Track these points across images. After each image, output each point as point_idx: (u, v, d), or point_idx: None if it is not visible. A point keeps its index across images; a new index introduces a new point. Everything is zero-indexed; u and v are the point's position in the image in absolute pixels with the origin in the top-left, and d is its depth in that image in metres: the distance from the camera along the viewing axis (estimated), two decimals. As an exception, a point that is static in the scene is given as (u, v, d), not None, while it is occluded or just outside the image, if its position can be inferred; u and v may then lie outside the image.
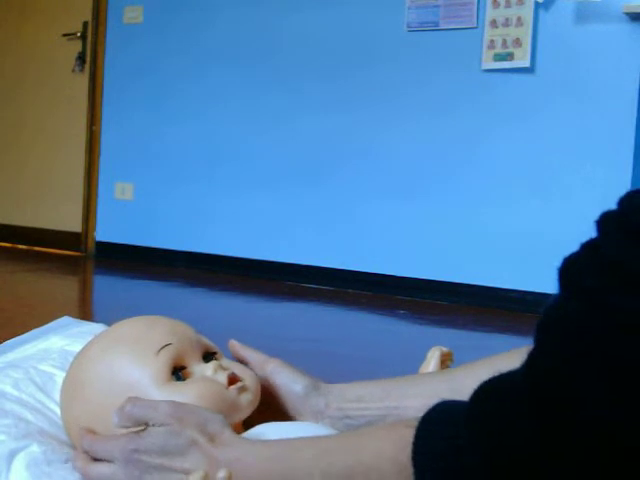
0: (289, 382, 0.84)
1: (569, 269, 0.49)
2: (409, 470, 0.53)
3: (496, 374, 0.52)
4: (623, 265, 0.45)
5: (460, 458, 0.50)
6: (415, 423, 0.55)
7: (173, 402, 0.70)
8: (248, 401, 0.77)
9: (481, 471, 0.49)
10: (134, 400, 0.71)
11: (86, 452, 0.72)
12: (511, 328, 2.71)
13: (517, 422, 0.48)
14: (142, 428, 0.68)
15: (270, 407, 0.82)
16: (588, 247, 0.49)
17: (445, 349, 1.03)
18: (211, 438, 0.66)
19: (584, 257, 0.49)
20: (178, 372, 0.76)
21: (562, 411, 0.45)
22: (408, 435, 0.54)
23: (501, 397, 0.50)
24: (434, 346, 1.04)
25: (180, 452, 0.66)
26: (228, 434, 0.67)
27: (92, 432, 0.73)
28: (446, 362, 1.03)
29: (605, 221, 0.49)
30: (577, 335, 0.45)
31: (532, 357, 0.49)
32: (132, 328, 0.80)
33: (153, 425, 0.68)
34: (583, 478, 0.45)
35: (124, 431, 0.70)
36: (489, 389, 0.52)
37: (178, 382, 0.75)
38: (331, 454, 0.61)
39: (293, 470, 0.61)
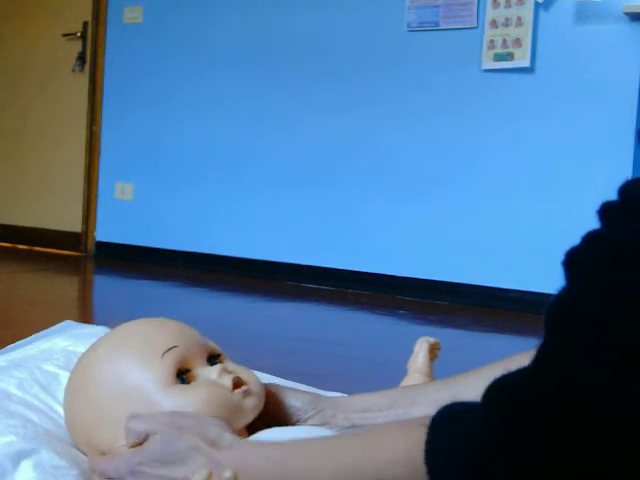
0: (292, 399, 0.83)
1: (574, 260, 0.49)
2: (422, 468, 0.53)
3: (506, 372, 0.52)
4: (627, 246, 0.45)
5: (474, 453, 0.50)
6: (427, 421, 0.55)
7: (172, 411, 0.70)
8: (253, 405, 0.76)
9: (497, 465, 0.49)
10: (134, 415, 0.71)
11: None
12: (511, 328, 2.72)
13: (532, 413, 0.47)
14: (144, 439, 0.69)
15: (273, 420, 0.81)
16: (591, 237, 0.49)
17: (432, 339, 1.02)
18: (212, 443, 0.65)
19: (587, 247, 0.49)
20: (183, 375, 0.75)
21: (577, 398, 0.45)
22: (421, 433, 0.54)
23: (514, 390, 0.50)
24: (421, 337, 1.03)
25: (181, 459, 0.65)
26: (229, 437, 0.66)
27: (101, 454, 0.73)
28: (434, 352, 1.02)
29: (607, 209, 0.49)
30: (592, 327, 0.45)
31: (543, 349, 0.49)
32: (137, 330, 0.79)
33: (154, 435, 0.68)
34: (603, 461, 0.45)
35: (126, 447, 0.71)
36: (501, 384, 0.52)
37: (183, 385, 0.75)
38: (341, 452, 0.60)
39: (301, 470, 0.60)
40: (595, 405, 0.44)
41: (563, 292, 0.49)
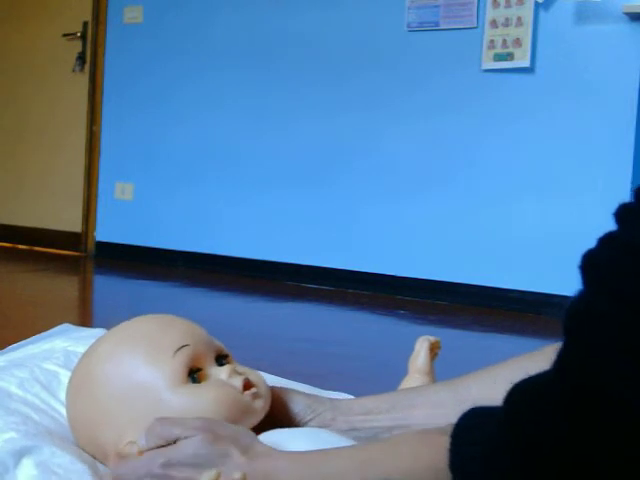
0: (292, 402, 0.83)
1: (589, 263, 0.49)
2: (447, 476, 0.54)
3: (525, 376, 0.52)
4: None
5: (498, 460, 0.50)
6: (449, 430, 0.55)
7: (202, 417, 0.69)
8: (261, 407, 0.76)
9: (520, 472, 0.49)
10: (162, 419, 0.69)
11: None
12: (511, 328, 2.72)
13: (554, 420, 0.47)
14: (172, 442, 0.67)
15: (274, 422, 0.81)
16: (606, 239, 0.49)
17: (432, 338, 1.03)
18: (244, 450, 0.65)
19: (603, 249, 0.49)
20: (194, 374, 0.75)
21: (593, 403, 0.45)
22: (444, 442, 0.55)
23: (535, 396, 0.50)
24: (421, 337, 1.03)
25: (212, 463, 0.64)
26: (260, 446, 0.66)
27: (119, 456, 0.71)
28: (434, 351, 1.03)
29: (623, 211, 0.49)
30: (606, 330, 0.45)
31: (562, 353, 0.49)
32: (146, 327, 0.78)
33: (185, 438, 0.66)
34: (621, 466, 0.45)
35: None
36: (522, 390, 0.52)
37: (192, 385, 0.74)
38: (367, 462, 0.61)
39: (329, 478, 0.61)
40: (611, 409, 0.44)
41: (579, 295, 0.49)
